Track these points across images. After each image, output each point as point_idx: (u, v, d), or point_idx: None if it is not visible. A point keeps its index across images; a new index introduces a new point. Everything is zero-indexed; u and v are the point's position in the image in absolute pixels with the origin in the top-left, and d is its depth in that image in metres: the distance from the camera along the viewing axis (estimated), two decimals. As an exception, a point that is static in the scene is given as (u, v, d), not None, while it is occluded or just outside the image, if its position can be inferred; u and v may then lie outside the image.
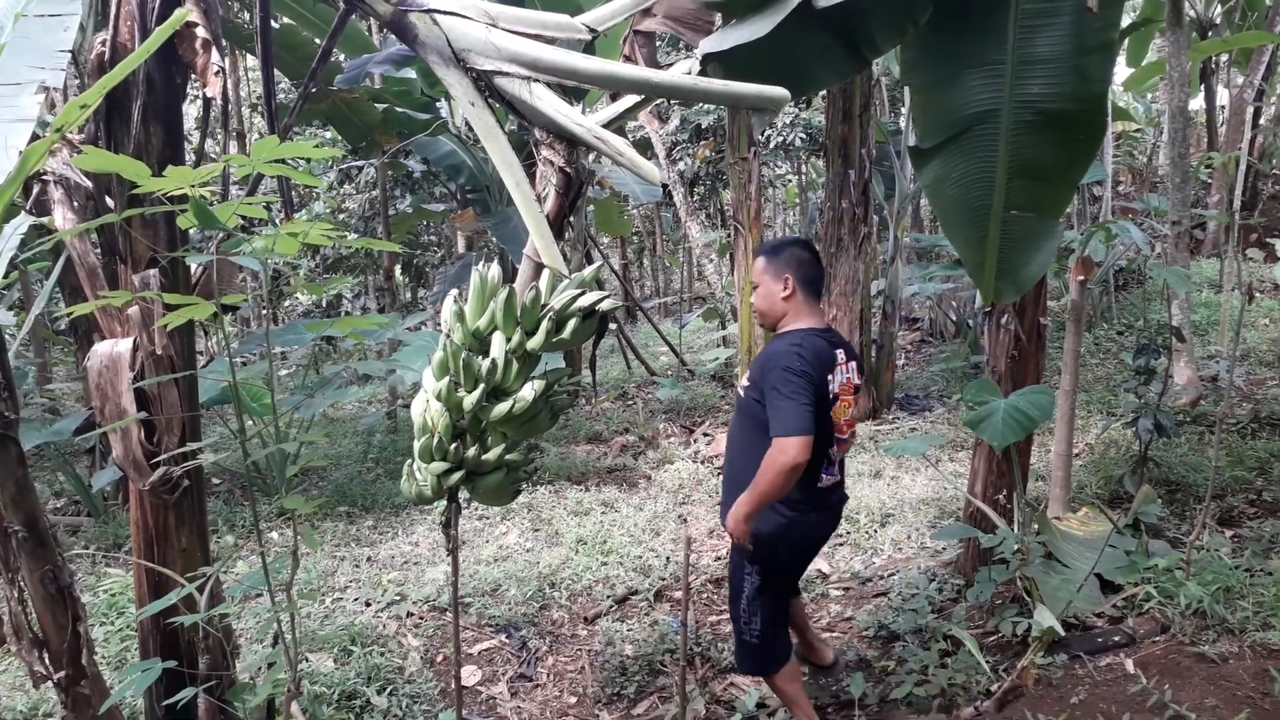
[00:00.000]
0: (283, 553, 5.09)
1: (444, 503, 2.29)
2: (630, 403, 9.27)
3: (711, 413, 8.18)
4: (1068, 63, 3.06)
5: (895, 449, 3.85)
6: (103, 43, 2.33)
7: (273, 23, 8.37)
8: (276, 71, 7.81)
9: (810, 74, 3.38)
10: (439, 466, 2.15)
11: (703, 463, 6.40)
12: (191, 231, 2.70)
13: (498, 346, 2.15)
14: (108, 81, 1.86)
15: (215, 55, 2.39)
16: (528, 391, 2.14)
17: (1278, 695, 2.76)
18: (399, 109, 7.62)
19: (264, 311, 11.44)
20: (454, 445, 2.13)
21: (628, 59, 4.56)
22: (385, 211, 8.95)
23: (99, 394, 2.49)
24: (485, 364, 2.12)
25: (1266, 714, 2.72)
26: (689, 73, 2.95)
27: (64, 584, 2.31)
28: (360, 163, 10.67)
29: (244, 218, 1.89)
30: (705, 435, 7.26)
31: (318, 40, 7.20)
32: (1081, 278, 4.20)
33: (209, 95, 2.42)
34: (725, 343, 10.16)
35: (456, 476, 2.16)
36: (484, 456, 2.15)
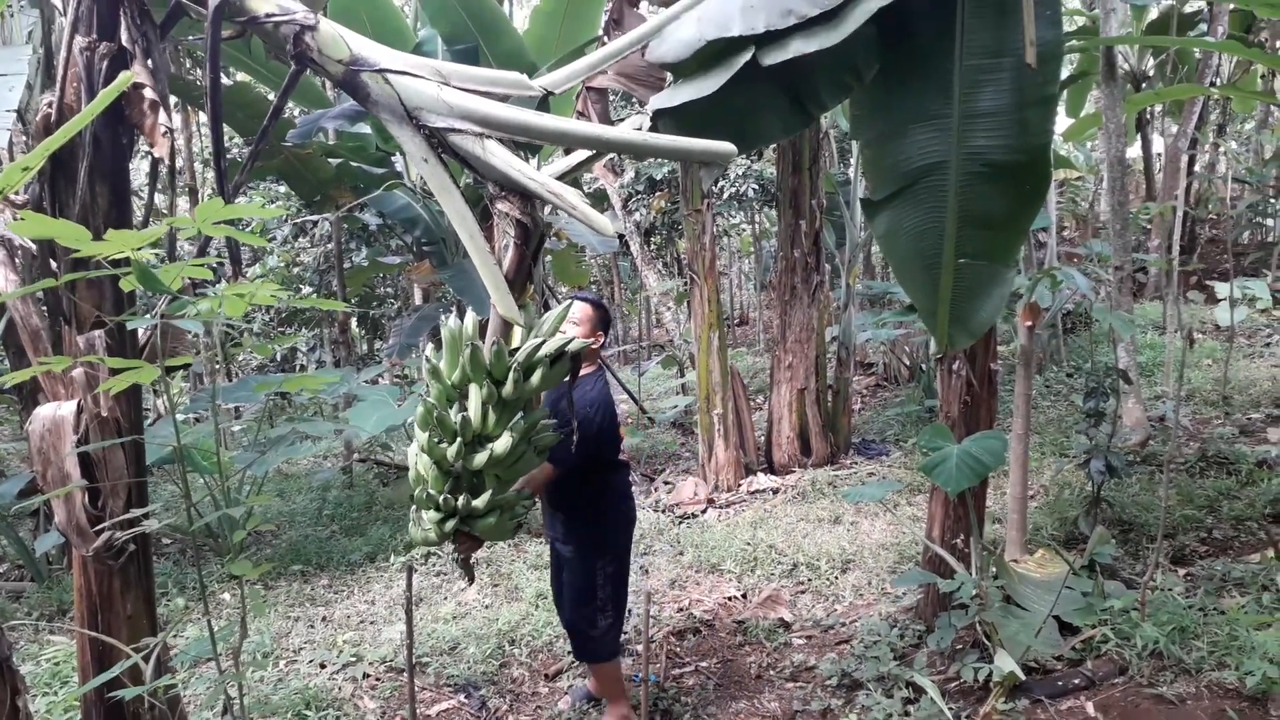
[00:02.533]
0: (235, 615, 4.95)
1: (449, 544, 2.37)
2: (590, 452, 9.22)
3: (671, 460, 8.17)
4: (1011, 116, 3.15)
5: (854, 495, 3.86)
6: (49, 104, 2.30)
7: (225, 79, 8.37)
8: (229, 129, 7.80)
9: (758, 129, 3.44)
10: (434, 516, 2.23)
11: (663, 511, 6.38)
12: (138, 292, 2.68)
13: (473, 399, 2.19)
14: (51, 143, 1.84)
15: (163, 116, 2.38)
16: (502, 443, 2.17)
17: (1234, 735, 2.78)
18: (354, 163, 7.62)
19: (215, 368, 11.27)
20: (444, 495, 2.20)
21: (581, 114, 4.61)
22: (340, 265, 8.89)
23: (41, 458, 2.42)
24: (459, 418, 2.15)
25: (1224, 754, 2.74)
26: (639, 128, 3.00)
27: (3, 655, 2.22)
28: (314, 218, 10.63)
29: (192, 278, 1.87)
30: (666, 484, 7.24)
31: (271, 96, 7.20)
32: (1029, 323, 4.30)
33: (156, 156, 2.40)
34: (684, 390, 10.18)
35: (452, 524, 2.24)
36: (473, 503, 2.21)
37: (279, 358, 14.65)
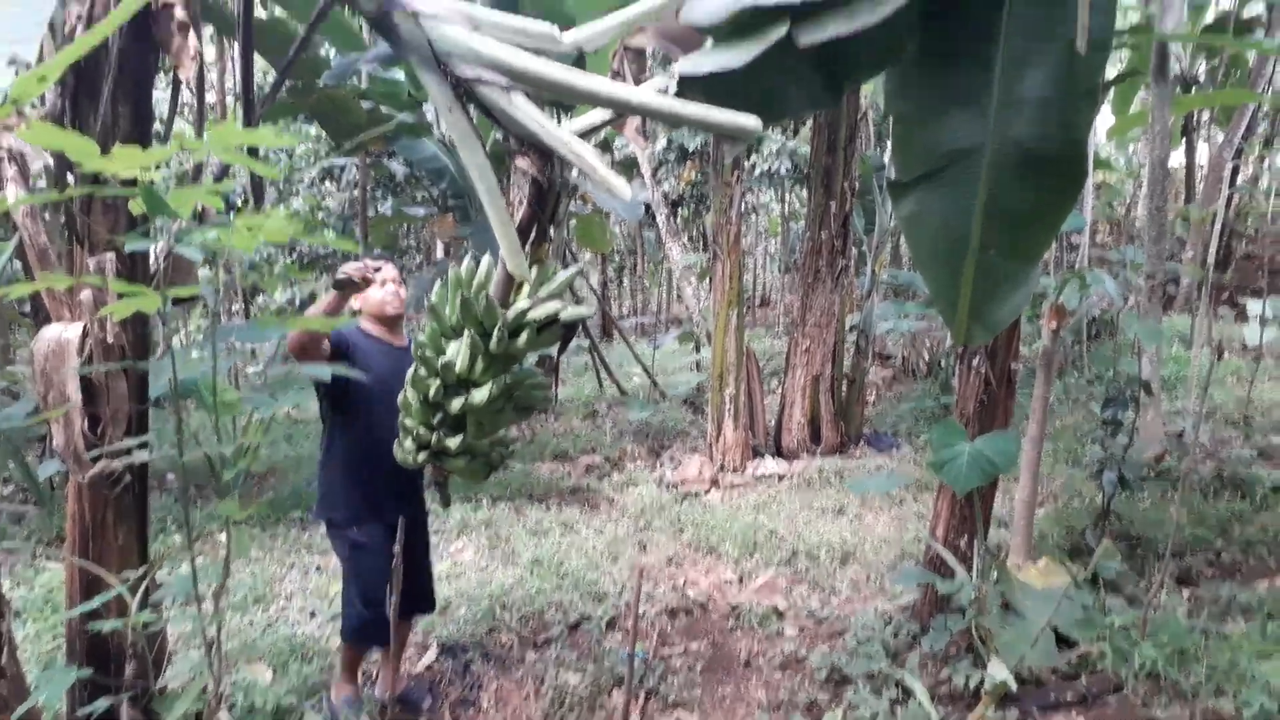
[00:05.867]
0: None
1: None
2: (599, 422, 9.19)
3: (680, 436, 8.12)
4: (1053, 105, 3.01)
5: (859, 486, 3.80)
6: (77, 15, 2.23)
7: (265, 13, 8.28)
8: (265, 64, 7.73)
9: (787, 102, 3.32)
10: (409, 445, 2.29)
11: (667, 488, 6.33)
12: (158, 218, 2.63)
13: (457, 345, 2.22)
14: (70, 53, 1.77)
15: (192, 38, 2.31)
16: (480, 393, 2.19)
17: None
18: (385, 109, 7.53)
19: (231, 306, 11.25)
20: (419, 428, 2.25)
21: (616, 74, 4.51)
22: (364, 212, 8.85)
23: (43, 379, 2.38)
24: (441, 362, 2.18)
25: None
26: (664, 92, 2.91)
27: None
28: (341, 160, 10.56)
29: (205, 207, 1.81)
30: (672, 460, 7.20)
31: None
32: (1054, 325, 4.19)
33: (182, 78, 2.34)
34: (699, 368, 10.12)
35: (424, 455, 2.28)
36: (446, 442, 2.24)
37: (298, 301, 14.66)
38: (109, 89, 2.23)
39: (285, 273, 13.71)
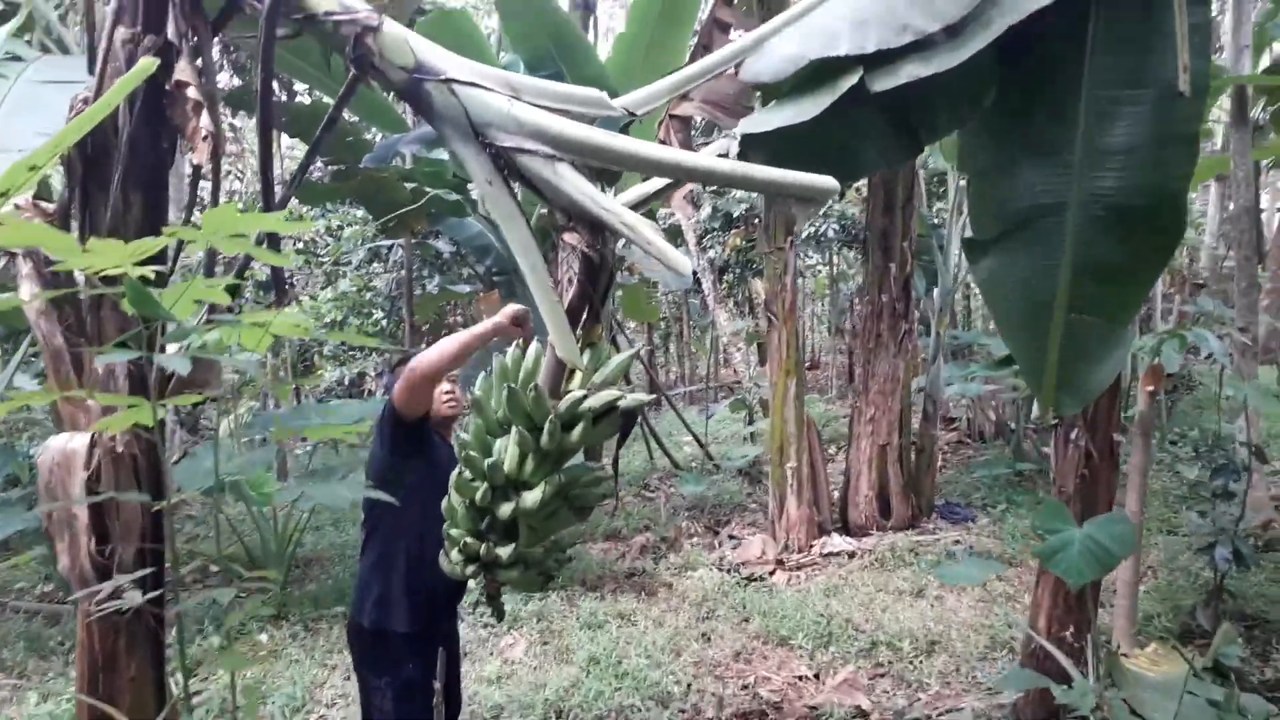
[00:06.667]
0: (268, 660, 4.70)
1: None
2: (652, 495, 8.87)
3: (737, 511, 7.76)
4: (1145, 154, 2.74)
5: (948, 576, 3.44)
6: (83, 99, 2.08)
7: (301, 98, 8.37)
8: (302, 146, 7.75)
9: (860, 160, 3.09)
10: (456, 556, 2.09)
11: (728, 571, 5.96)
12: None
13: (505, 444, 2.04)
14: (63, 138, 1.60)
15: (205, 118, 2.15)
16: (532, 496, 1.99)
17: None
18: (429, 189, 7.48)
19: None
20: (465, 539, 2.06)
21: (662, 144, 4.34)
22: (409, 292, 8.79)
23: (48, 495, 2.18)
24: (487, 463, 2.00)
25: None
26: (725, 155, 2.69)
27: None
28: (386, 242, 10.57)
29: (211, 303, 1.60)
30: (731, 538, 6.83)
31: (350, 116, 7.13)
32: (1151, 388, 3.84)
33: (195, 162, 2.17)
34: (753, 439, 9.79)
35: (472, 568, 2.09)
36: (497, 552, 2.05)
37: (347, 380, 14.65)
38: (119, 177, 2.05)
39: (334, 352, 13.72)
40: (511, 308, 2.45)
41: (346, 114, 6.82)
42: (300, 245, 12.51)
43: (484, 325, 2.46)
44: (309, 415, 5.81)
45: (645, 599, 5.48)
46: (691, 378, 20.04)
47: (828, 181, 2.13)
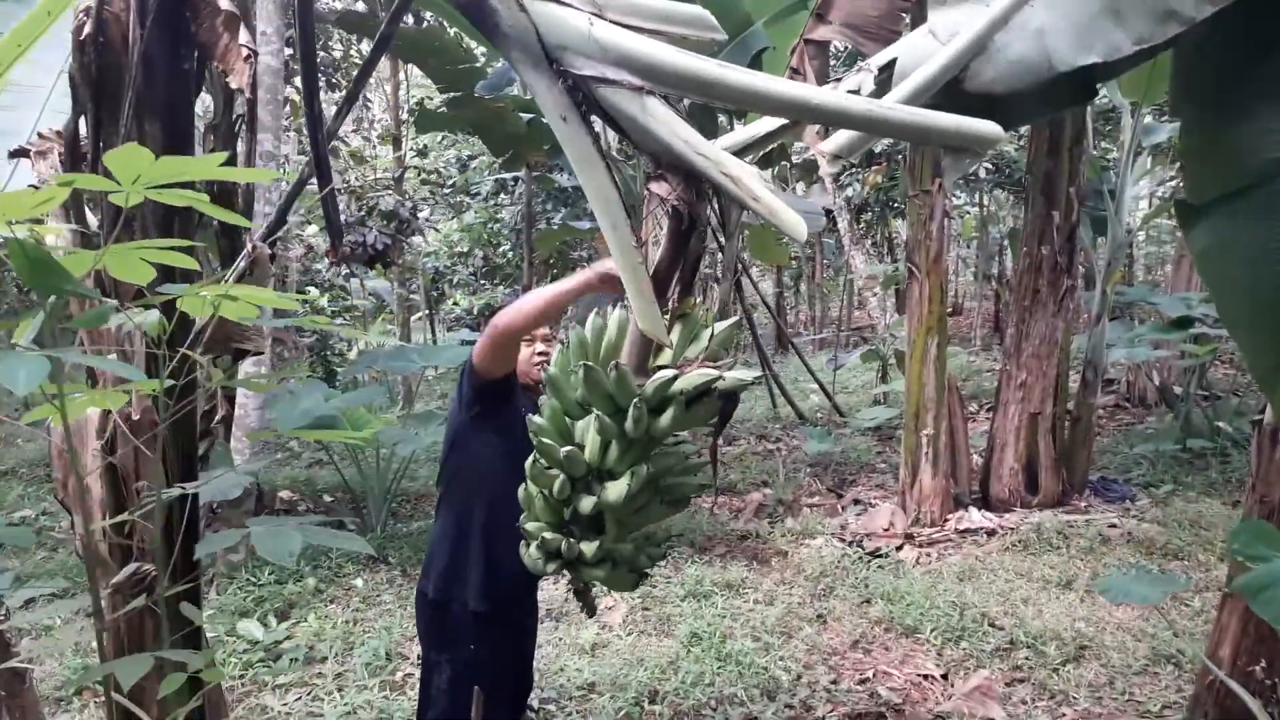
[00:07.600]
0: (363, 606, 4.61)
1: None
2: (773, 446, 8.45)
3: (865, 471, 7.25)
4: None
5: (1113, 594, 2.89)
6: (84, 9, 1.75)
7: (423, 21, 8.11)
8: (425, 78, 7.51)
9: (1025, 105, 2.52)
10: (535, 552, 1.87)
11: (850, 543, 5.50)
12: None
13: (584, 429, 1.79)
14: (22, 32, 1.29)
15: (244, 35, 1.81)
16: (615, 489, 1.73)
17: None
18: (544, 120, 7.14)
19: (409, 317, 11.32)
20: (544, 534, 1.85)
21: (795, 72, 3.79)
22: (529, 226, 8.55)
23: (61, 463, 1.96)
24: (564, 452, 1.74)
25: None
26: (856, 90, 2.18)
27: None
28: (511, 175, 10.34)
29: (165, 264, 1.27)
30: (856, 503, 6.35)
31: (467, 41, 6.82)
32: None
33: (233, 86, 1.84)
34: (885, 399, 9.19)
35: (553, 565, 1.85)
36: (579, 547, 1.81)
37: (475, 311, 14.74)
38: (130, 102, 1.74)
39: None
40: (604, 263, 2.08)
41: (463, 36, 6.48)
42: (425, 176, 12.45)
43: (571, 281, 2.15)
44: (409, 357, 5.67)
45: (757, 568, 5.11)
46: (822, 321, 19.28)
47: (990, 127, 1.64)
